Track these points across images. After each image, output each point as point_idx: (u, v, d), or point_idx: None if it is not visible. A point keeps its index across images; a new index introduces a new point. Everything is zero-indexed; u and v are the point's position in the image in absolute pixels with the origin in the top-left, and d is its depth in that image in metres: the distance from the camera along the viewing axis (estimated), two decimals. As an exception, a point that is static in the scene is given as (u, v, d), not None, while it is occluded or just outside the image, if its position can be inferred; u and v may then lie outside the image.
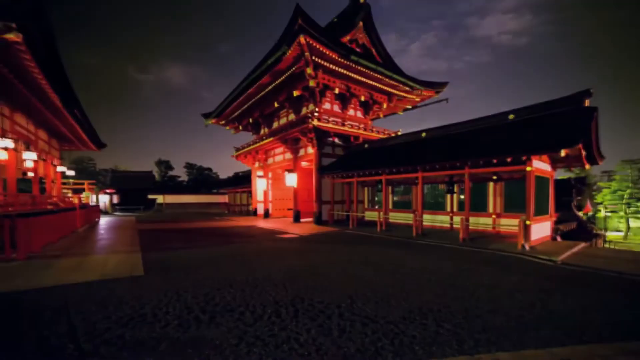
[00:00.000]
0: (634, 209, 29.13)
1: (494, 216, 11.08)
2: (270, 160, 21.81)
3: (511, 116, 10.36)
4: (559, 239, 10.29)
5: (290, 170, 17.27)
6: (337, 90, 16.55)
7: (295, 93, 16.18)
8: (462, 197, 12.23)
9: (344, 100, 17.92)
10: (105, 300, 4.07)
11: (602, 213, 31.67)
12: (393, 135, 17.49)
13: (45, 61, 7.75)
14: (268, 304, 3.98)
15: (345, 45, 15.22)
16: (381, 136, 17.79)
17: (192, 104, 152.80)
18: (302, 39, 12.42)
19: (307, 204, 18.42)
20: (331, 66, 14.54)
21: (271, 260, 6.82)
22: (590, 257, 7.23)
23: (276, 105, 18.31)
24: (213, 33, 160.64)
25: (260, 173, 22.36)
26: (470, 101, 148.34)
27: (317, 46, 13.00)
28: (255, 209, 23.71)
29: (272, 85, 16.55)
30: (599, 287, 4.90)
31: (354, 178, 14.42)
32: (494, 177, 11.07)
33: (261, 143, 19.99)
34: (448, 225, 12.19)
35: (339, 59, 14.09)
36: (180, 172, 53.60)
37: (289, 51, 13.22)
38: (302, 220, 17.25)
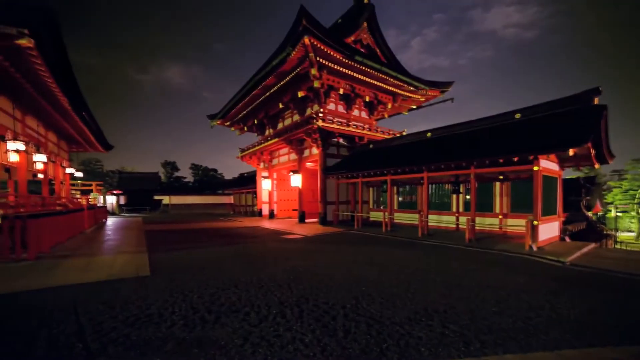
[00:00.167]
0: (646, 208, 28.57)
1: (500, 216, 10.96)
2: (275, 161, 21.87)
3: (518, 115, 10.23)
4: (567, 239, 10.14)
5: (295, 171, 17.33)
6: (341, 91, 16.53)
7: (300, 94, 16.20)
8: (468, 197, 12.13)
9: (348, 100, 17.90)
10: (112, 300, 4.12)
11: (612, 213, 31.11)
12: (398, 135, 17.42)
13: (55, 65, 7.90)
14: (273, 304, 3.99)
15: (349, 46, 15.20)
16: (386, 136, 17.72)
17: (196, 105, 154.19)
18: (306, 40, 12.45)
19: (312, 205, 18.44)
20: (336, 67, 14.54)
21: (276, 261, 6.84)
22: (600, 258, 7.10)
23: (281, 106, 18.36)
24: (213, 33, 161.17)
25: (265, 174, 22.45)
26: (475, 99, 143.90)
27: (322, 47, 13.01)
28: (261, 210, 23.79)
29: (276, 87, 16.60)
30: (609, 288, 4.81)
31: (359, 178, 14.38)
32: (501, 177, 10.95)
33: (266, 144, 20.06)
34: (454, 226, 12.09)
35: (344, 60, 14.09)
36: (186, 173, 54.25)
37: (294, 52, 13.25)
38: (307, 220, 17.26)
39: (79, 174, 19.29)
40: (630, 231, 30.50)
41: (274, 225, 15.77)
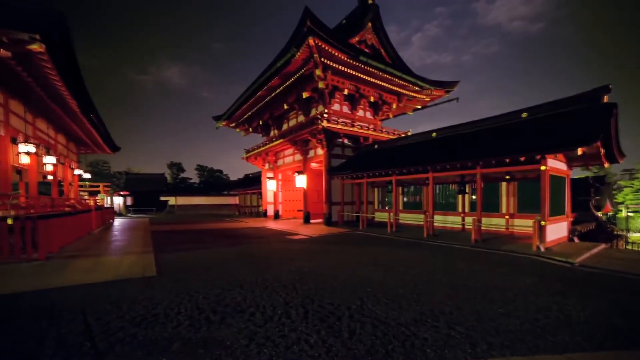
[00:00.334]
0: (658, 208, 27.98)
1: (507, 217, 10.83)
2: (280, 162, 21.94)
3: (524, 114, 10.11)
4: (576, 240, 9.98)
5: (299, 172, 17.36)
6: (346, 92, 16.52)
7: (305, 95, 16.25)
8: (473, 197, 12.01)
9: (353, 101, 17.89)
10: (119, 300, 4.17)
11: (623, 213, 30.51)
12: (403, 135, 17.34)
13: (65, 69, 8.06)
14: (278, 305, 4.00)
15: (354, 47, 15.20)
16: (391, 137, 17.66)
17: (199, 106, 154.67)
18: (310, 40, 12.47)
19: (316, 205, 18.44)
20: (340, 67, 14.54)
21: (281, 261, 6.85)
22: (610, 259, 6.97)
23: (285, 107, 18.43)
24: (213, 33, 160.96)
25: (270, 174, 22.53)
26: (479, 98, 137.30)
27: (326, 48, 13.03)
28: (266, 211, 23.87)
29: (281, 88, 16.66)
30: (619, 290, 4.71)
31: (364, 179, 14.35)
32: (507, 177, 10.82)
33: (271, 145, 20.14)
34: (460, 226, 11.98)
35: (348, 60, 14.09)
36: (191, 174, 54.67)
37: (298, 53, 13.29)
38: (312, 221, 17.27)
39: (87, 176, 19.59)
40: (642, 232, 29.87)
41: (278, 226, 15.81)
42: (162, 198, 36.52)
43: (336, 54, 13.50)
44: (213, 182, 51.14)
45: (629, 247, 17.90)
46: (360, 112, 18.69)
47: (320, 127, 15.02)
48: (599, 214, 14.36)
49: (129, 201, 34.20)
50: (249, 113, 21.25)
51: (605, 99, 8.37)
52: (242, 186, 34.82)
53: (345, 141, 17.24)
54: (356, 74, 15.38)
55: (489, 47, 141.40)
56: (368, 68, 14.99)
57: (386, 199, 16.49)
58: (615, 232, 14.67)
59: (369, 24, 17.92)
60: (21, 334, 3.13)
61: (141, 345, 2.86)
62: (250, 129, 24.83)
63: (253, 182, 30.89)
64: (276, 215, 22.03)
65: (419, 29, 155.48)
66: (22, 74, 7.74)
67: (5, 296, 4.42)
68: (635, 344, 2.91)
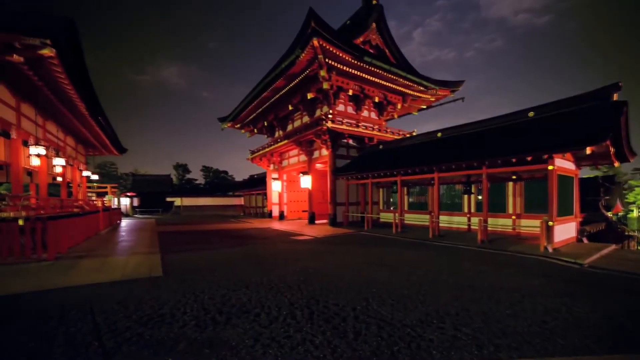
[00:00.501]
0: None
1: (513, 217, 10.70)
2: (284, 163, 22.00)
3: (531, 113, 9.99)
4: (585, 240, 9.81)
5: (304, 172, 17.37)
6: (350, 92, 16.50)
7: (309, 95, 16.26)
8: (479, 197, 11.90)
9: (357, 101, 17.86)
10: (126, 300, 4.21)
11: (635, 213, 29.92)
12: (408, 135, 17.25)
13: (74, 72, 8.21)
14: (283, 305, 4.01)
15: (358, 47, 15.18)
16: (396, 137, 17.59)
17: (203, 106, 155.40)
18: (315, 41, 12.49)
19: (321, 206, 18.44)
20: (345, 68, 14.53)
21: (286, 262, 6.86)
22: (621, 260, 6.84)
23: (290, 108, 18.47)
24: (213, 34, 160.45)
25: (275, 175, 22.59)
26: (483, 96, 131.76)
27: (331, 48, 13.04)
28: (271, 211, 23.94)
29: (286, 89, 16.71)
30: (631, 292, 4.63)
31: (369, 179, 14.31)
32: (514, 177, 10.70)
33: (276, 146, 20.20)
34: (465, 227, 11.87)
35: (353, 61, 14.08)
36: (197, 175, 55.08)
37: (303, 54, 13.32)
38: (317, 222, 17.27)
39: (95, 177, 19.88)
40: (654, 232, 29.24)
41: (283, 227, 15.85)
42: (168, 199, 36.86)
43: (341, 54, 13.50)
44: (218, 183, 51.48)
45: (641, 248, 17.52)
46: (365, 113, 18.65)
47: (325, 127, 15.03)
48: (609, 214, 14.09)
49: (136, 202, 34.58)
50: (254, 114, 21.35)
51: (615, 96, 8.22)
52: (247, 187, 34.97)
53: (350, 142, 17.22)
54: (361, 74, 15.36)
55: (492, 42, 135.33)
56: (372, 68, 14.96)
57: (391, 200, 16.43)
58: (626, 233, 14.36)
59: (373, 24, 17.88)
60: (32, 332, 3.18)
61: (148, 345, 2.89)
62: (255, 130, 24.94)
63: (258, 183, 31.01)
64: (281, 216, 22.08)
65: (419, 24, 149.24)
66: (33, 78, 7.91)
67: (17, 295, 4.51)
68: (647, 347, 2.85)
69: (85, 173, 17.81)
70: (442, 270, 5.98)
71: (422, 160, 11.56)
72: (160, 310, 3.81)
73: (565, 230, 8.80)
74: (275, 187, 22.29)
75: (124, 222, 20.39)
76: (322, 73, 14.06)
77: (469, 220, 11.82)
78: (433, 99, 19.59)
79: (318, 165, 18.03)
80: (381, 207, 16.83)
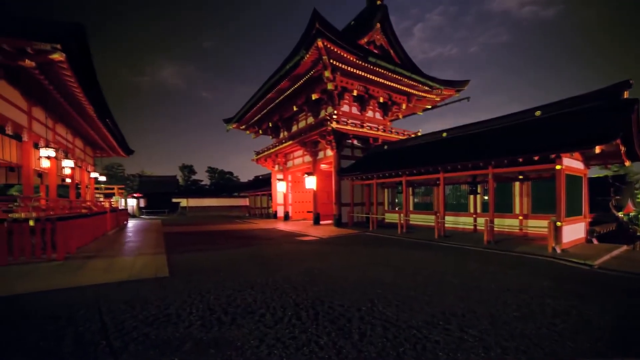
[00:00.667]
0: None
1: (520, 217, 10.56)
2: (289, 164, 22.05)
3: (538, 112, 9.86)
4: (595, 241, 9.63)
5: (309, 173, 17.39)
6: (355, 93, 16.49)
7: (314, 96, 16.29)
8: (486, 197, 11.78)
9: (362, 102, 17.83)
10: (132, 300, 4.26)
11: (645, 213, 29.29)
12: (413, 136, 17.17)
13: (83, 76, 8.37)
14: (288, 306, 4.01)
15: (362, 47, 15.16)
16: (400, 137, 17.52)
17: (209, 107, 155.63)
18: (319, 42, 12.51)
19: (326, 207, 18.43)
20: (349, 69, 14.53)
21: (291, 263, 6.87)
22: (633, 262, 6.70)
23: (295, 109, 18.51)
24: (213, 34, 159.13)
25: (280, 176, 22.66)
26: (487, 94, 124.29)
27: (335, 49, 13.05)
28: (276, 212, 24.01)
29: (291, 90, 16.76)
30: (642, 294, 4.52)
31: (374, 180, 14.26)
32: (521, 177, 10.57)
33: (280, 147, 20.26)
34: (471, 227, 11.75)
35: (357, 61, 14.06)
36: (202, 176, 55.54)
37: (307, 55, 13.35)
38: (321, 222, 17.26)
39: (103, 178, 20.13)
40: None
41: (288, 227, 15.87)
42: (174, 200, 37.22)
43: (345, 55, 13.50)
44: (224, 184, 51.80)
45: (652, 249, 17.13)
46: (370, 113, 18.61)
47: (329, 128, 15.03)
48: (620, 214, 13.82)
49: (142, 203, 34.97)
50: (259, 115, 21.45)
51: (626, 94, 8.07)
52: (252, 188, 35.13)
53: (355, 142, 17.19)
54: (365, 75, 15.33)
55: (497, 37, 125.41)
56: (377, 69, 14.92)
57: (396, 200, 16.35)
58: (638, 234, 14.07)
59: (378, 25, 17.85)
60: (43, 331, 3.24)
61: (154, 345, 2.92)
62: (260, 131, 25.05)
63: (263, 184, 31.12)
64: (286, 217, 22.12)
65: (420, 19, 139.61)
66: (44, 82, 8.09)
67: (28, 295, 4.59)
68: (660, 351, 2.79)
69: (93, 174, 18.06)
70: (448, 271, 5.92)
71: (427, 160, 11.48)
72: (166, 311, 3.85)
73: (574, 231, 8.66)
74: (280, 187, 22.35)
75: (131, 223, 20.63)
76: (327, 74, 14.07)
77: (475, 220, 11.70)
78: (438, 99, 19.46)
79: (323, 166, 18.03)
80: (386, 208, 16.76)
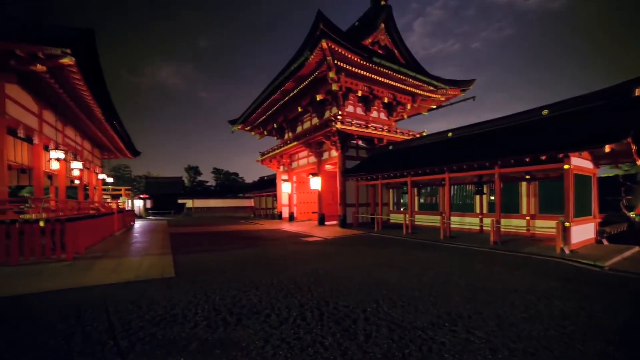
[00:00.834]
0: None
1: (527, 218, 10.42)
2: (294, 164, 22.09)
3: (545, 111, 9.73)
4: (605, 242, 9.45)
5: (314, 174, 17.40)
6: (360, 93, 16.47)
7: (319, 97, 16.32)
8: (492, 198, 11.66)
9: (367, 102, 17.80)
10: (139, 300, 4.30)
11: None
12: (418, 136, 17.08)
13: (91, 79, 8.54)
14: (293, 306, 4.01)
15: (367, 48, 15.15)
16: (405, 137, 17.44)
17: (212, 108, 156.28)
18: (324, 43, 12.53)
19: (331, 207, 18.42)
20: (354, 69, 14.52)
21: (296, 263, 6.88)
22: (643, 263, 6.56)
23: (300, 109, 18.56)
24: (213, 34, 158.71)
25: (285, 177, 22.72)
26: (490, 91, 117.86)
27: (339, 50, 13.05)
28: (281, 213, 24.06)
29: (295, 91, 16.80)
30: (654, 296, 4.43)
31: (379, 180, 14.21)
32: (527, 177, 10.43)
33: (285, 147, 20.31)
34: (477, 228, 11.63)
35: (361, 62, 14.05)
36: (208, 177, 55.85)
37: (312, 56, 13.37)
38: (326, 223, 17.26)
39: (110, 180, 20.45)
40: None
41: (293, 228, 15.90)
42: (180, 201, 37.54)
43: (349, 56, 13.50)
44: (229, 184, 52.08)
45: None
46: (374, 114, 18.56)
47: (334, 129, 15.02)
48: (631, 214, 13.55)
49: (149, 204, 35.34)
50: (264, 116, 21.55)
51: (637, 92, 7.91)
52: (257, 189, 35.27)
53: (360, 143, 17.16)
54: (370, 75, 15.31)
55: (501, 31, 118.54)
56: (382, 69, 14.89)
57: (401, 201, 16.27)
58: (649, 234, 13.77)
59: (382, 25, 17.82)
60: (52, 330, 3.29)
61: (160, 345, 2.94)
62: (265, 132, 25.15)
63: (268, 185, 31.23)
64: (291, 217, 22.16)
65: (420, 13, 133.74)
66: (54, 86, 8.27)
67: (38, 294, 4.66)
68: (673, 354, 2.72)
69: (101, 176, 18.34)
70: (453, 271, 5.87)
71: (432, 160, 11.41)
72: (172, 311, 3.88)
73: (583, 231, 8.52)
74: (285, 188, 22.41)
75: (138, 224, 20.86)
76: (331, 74, 14.08)
77: (481, 221, 11.58)
78: (443, 99, 19.34)
79: (327, 167, 18.03)
80: (391, 208, 16.68)
